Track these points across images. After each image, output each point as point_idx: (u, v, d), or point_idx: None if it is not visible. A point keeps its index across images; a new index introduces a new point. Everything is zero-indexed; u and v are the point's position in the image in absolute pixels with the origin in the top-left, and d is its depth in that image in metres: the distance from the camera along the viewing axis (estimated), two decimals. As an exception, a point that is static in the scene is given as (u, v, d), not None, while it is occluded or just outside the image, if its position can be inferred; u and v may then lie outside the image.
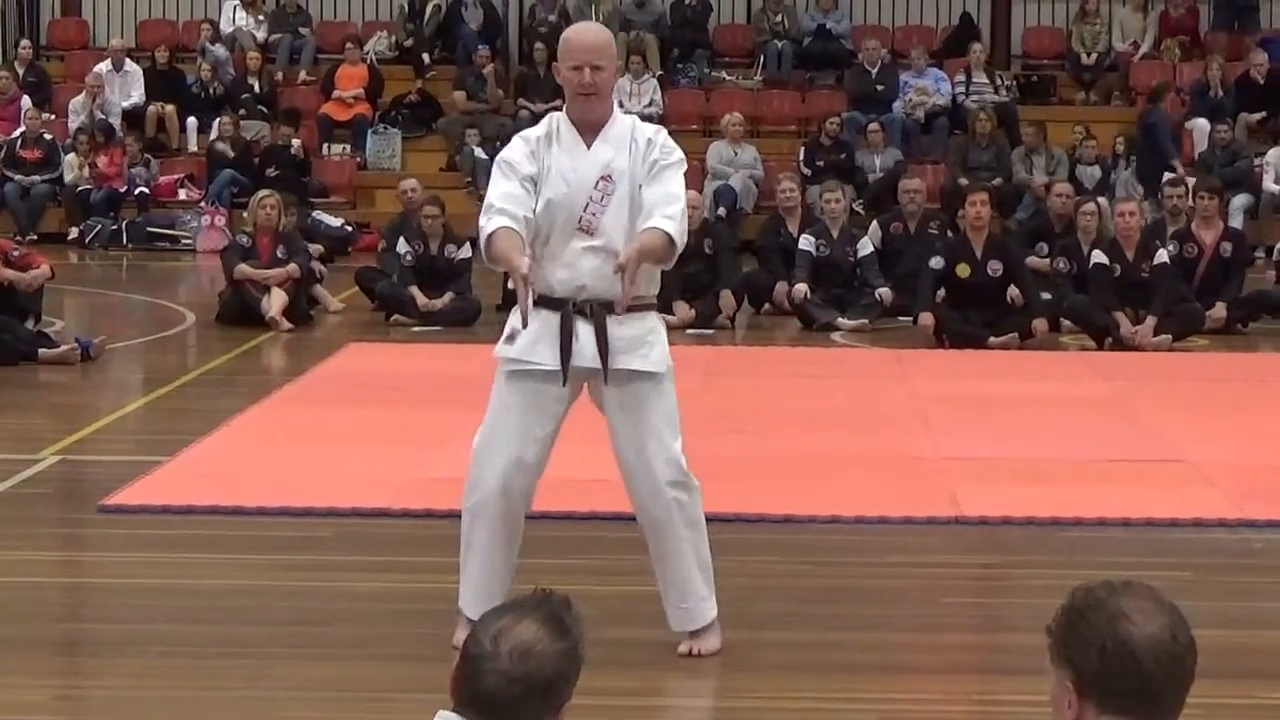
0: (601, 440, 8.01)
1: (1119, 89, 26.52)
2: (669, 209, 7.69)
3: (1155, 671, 3.40)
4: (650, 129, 8.02)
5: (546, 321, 7.75)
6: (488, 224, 7.68)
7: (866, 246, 18.56)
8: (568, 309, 7.78)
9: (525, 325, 7.59)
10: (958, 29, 26.90)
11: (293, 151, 24.72)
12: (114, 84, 26.01)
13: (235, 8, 26.81)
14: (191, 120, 26.01)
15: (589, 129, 7.88)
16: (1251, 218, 23.30)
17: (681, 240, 7.73)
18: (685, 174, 7.95)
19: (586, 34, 8.26)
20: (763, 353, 17.07)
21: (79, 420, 13.46)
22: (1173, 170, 22.47)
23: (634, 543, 9.86)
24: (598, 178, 7.81)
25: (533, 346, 7.79)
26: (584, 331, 7.79)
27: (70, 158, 24.96)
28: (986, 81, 25.77)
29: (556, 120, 7.94)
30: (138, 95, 26.04)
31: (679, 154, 7.93)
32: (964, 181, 22.27)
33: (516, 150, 7.90)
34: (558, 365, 7.80)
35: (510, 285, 8.11)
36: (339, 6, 27.46)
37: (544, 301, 7.75)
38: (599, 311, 7.78)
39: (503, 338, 7.87)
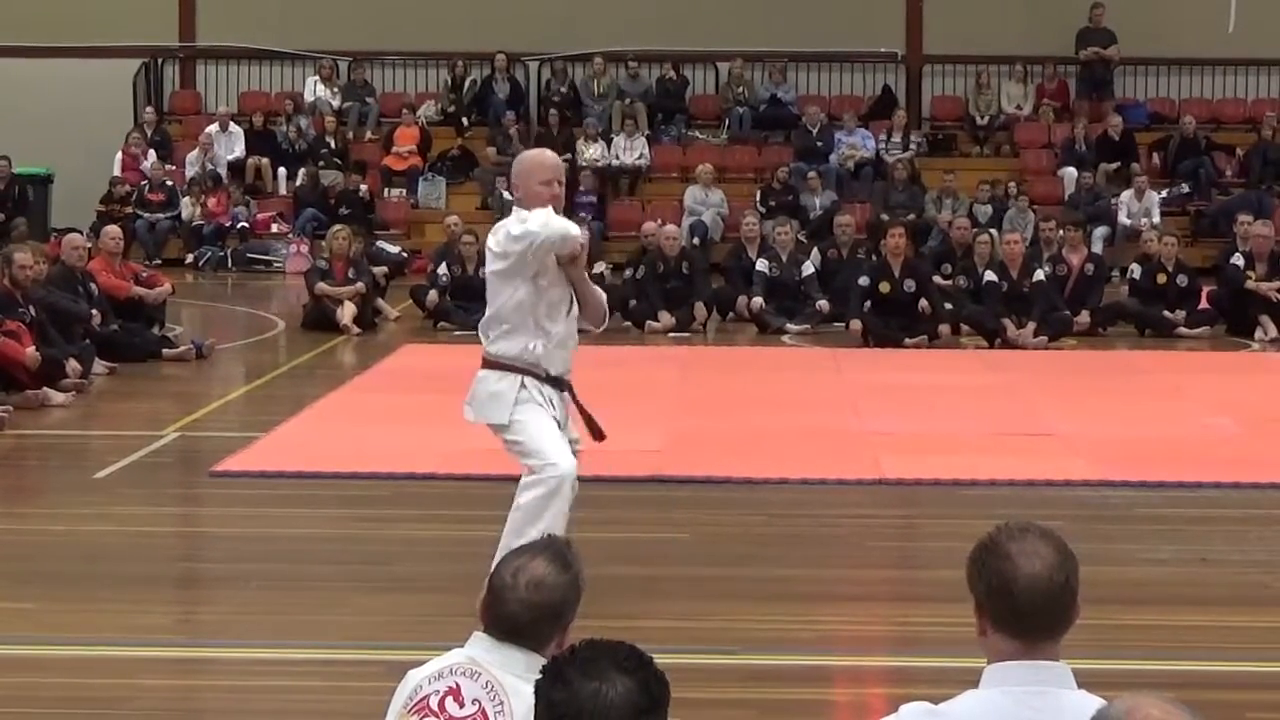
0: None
1: (1007, 144, 26.48)
2: None
3: (1025, 607, 3.33)
4: None
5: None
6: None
7: (809, 268, 18.54)
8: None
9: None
10: (880, 97, 26.81)
11: (360, 194, 24.64)
12: (221, 142, 25.92)
13: (315, 82, 26.71)
14: (281, 170, 25.92)
15: None
16: (1109, 244, 23.26)
17: None
18: None
19: (551, 156, 8.11)
20: (728, 352, 17.05)
21: (194, 404, 13.46)
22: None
23: (620, 500, 9.93)
24: None
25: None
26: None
27: (187, 199, 24.85)
28: (902, 140, 25.74)
29: None
30: (239, 150, 25.95)
31: None
32: (885, 217, 22.19)
33: None
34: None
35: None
36: (397, 80, 27.36)
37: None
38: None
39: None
